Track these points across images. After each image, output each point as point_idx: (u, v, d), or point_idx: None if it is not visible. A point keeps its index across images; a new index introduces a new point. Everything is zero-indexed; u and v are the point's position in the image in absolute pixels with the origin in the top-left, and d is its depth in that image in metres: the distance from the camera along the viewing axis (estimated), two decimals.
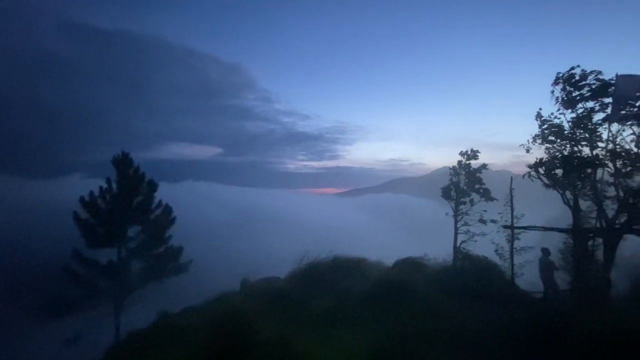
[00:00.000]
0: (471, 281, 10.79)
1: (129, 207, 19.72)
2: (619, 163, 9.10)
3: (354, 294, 9.82)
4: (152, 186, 20.75)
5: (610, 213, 9.12)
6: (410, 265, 13.20)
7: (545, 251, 10.53)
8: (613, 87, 8.92)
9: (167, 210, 20.92)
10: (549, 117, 10.36)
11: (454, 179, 12.76)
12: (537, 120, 10.63)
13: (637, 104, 8.78)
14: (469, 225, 11.83)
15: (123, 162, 20.19)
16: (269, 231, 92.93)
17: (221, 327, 6.99)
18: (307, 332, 8.02)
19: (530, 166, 9.85)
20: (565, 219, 10.08)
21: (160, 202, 20.95)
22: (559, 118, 10.20)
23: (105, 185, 19.78)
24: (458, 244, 11.94)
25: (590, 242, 9.26)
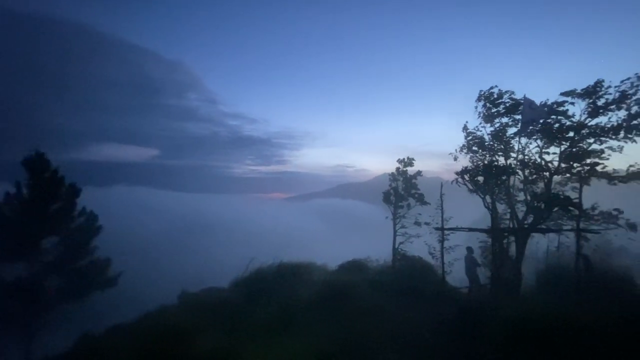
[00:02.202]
0: (408, 280, 11.55)
1: (44, 215, 17.18)
2: (527, 171, 10.57)
3: (299, 299, 9.80)
4: (74, 191, 18.36)
5: (520, 215, 10.51)
6: (353, 268, 13.64)
7: (470, 249, 11.72)
8: (522, 106, 10.35)
9: (92, 217, 18.69)
10: (473, 129, 11.65)
11: (393, 185, 13.60)
12: (463, 132, 11.88)
13: (541, 122, 10.30)
14: (406, 227, 12.68)
15: (37, 164, 17.53)
16: (213, 239, 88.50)
17: (154, 345, 6.45)
18: (250, 342, 7.78)
19: (457, 173, 10.91)
20: (486, 220, 11.35)
21: (83, 209, 18.64)
22: (481, 131, 11.54)
23: (14, 190, 17.02)
24: (396, 246, 12.69)
25: (505, 240, 10.55)
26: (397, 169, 14.12)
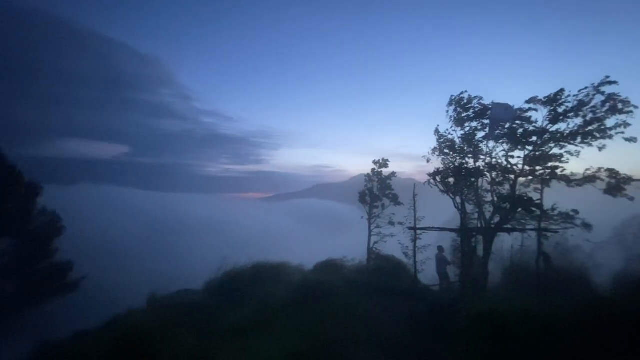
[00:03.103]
0: (382, 279, 11.80)
1: None
2: (494, 174, 11.08)
3: (274, 300, 9.74)
4: (34, 189, 17.24)
5: (488, 215, 11.01)
6: (329, 268, 13.73)
7: (441, 248, 12.14)
8: (490, 112, 10.84)
9: (54, 218, 17.62)
10: (445, 133, 12.06)
11: (369, 185, 13.83)
12: (435, 135, 12.27)
13: (507, 127, 10.84)
14: (381, 227, 12.93)
15: None
16: (187, 240, 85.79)
17: (120, 351, 6.18)
18: (223, 344, 7.65)
19: (429, 175, 11.26)
20: (456, 220, 11.79)
21: (44, 208, 17.53)
22: (452, 134, 11.97)
23: None
24: (371, 245, 12.92)
25: (473, 240, 11.01)
26: (373, 170, 14.38)
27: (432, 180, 11.21)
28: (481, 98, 11.23)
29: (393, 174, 14.05)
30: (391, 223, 12.89)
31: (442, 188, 11.11)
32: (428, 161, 12.40)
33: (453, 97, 11.62)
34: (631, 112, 9.30)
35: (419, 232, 11.09)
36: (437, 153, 12.32)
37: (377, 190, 13.95)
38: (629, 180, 9.37)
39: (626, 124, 9.35)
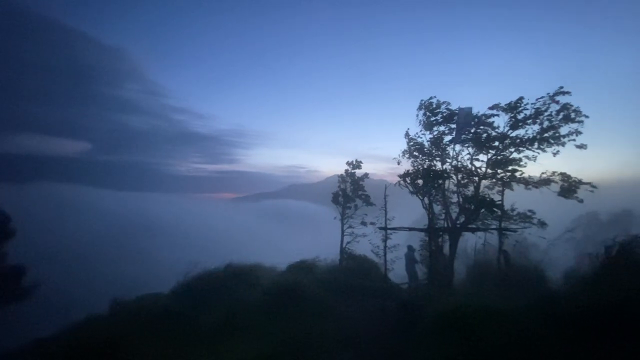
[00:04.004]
0: (354, 278, 11.99)
1: None
2: (459, 176, 11.63)
3: (247, 302, 9.61)
4: None
5: (454, 215, 11.53)
6: (302, 268, 13.74)
7: (410, 248, 12.53)
8: (456, 117, 11.37)
9: (3, 218, 16.25)
10: (414, 136, 12.49)
11: (342, 186, 14.00)
12: (405, 138, 12.68)
13: (472, 131, 11.42)
14: (353, 227, 13.13)
15: None
16: (154, 242, 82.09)
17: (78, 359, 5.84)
18: (192, 349, 7.45)
19: (400, 176, 11.60)
20: (425, 220, 12.23)
21: None
22: (421, 137, 12.43)
23: None
24: (344, 245, 13.08)
25: (440, 239, 11.48)
26: (346, 171, 14.56)
27: (402, 182, 11.56)
28: (449, 103, 11.76)
29: (366, 175, 14.32)
30: (363, 223, 13.14)
31: (411, 189, 11.49)
32: (399, 163, 12.81)
33: (423, 102, 12.07)
34: (582, 121, 10.15)
35: (389, 231, 11.40)
36: (407, 155, 12.75)
37: (350, 191, 14.15)
38: (579, 183, 10.22)
39: (577, 132, 10.20)
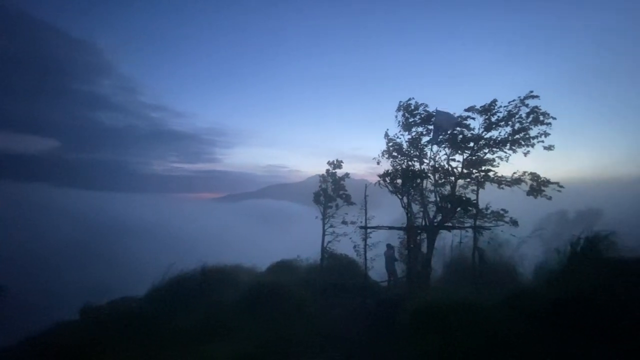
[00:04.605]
0: (335, 277, 12.08)
1: None
2: (437, 176, 11.95)
3: (225, 304, 9.48)
4: None
5: (431, 214, 11.83)
6: (283, 268, 13.71)
7: (389, 246, 12.75)
8: (434, 118, 11.67)
9: None
10: (393, 137, 12.72)
11: (323, 186, 14.03)
12: (385, 138, 12.90)
13: (448, 132, 11.75)
14: (334, 227, 13.19)
15: None
16: (130, 243, 79.26)
17: None
18: (169, 352, 7.26)
19: (379, 176, 11.78)
20: (404, 219, 12.49)
21: None
22: (400, 138, 12.67)
23: None
24: (325, 245, 13.13)
25: (418, 237, 11.75)
26: (327, 170, 14.62)
27: (381, 181, 11.74)
28: (426, 105, 12.05)
29: (347, 174, 14.43)
30: (344, 222, 13.23)
31: (390, 189, 11.69)
32: (378, 163, 13.00)
33: (401, 103, 12.31)
34: (550, 123, 10.68)
35: (369, 230, 11.55)
36: (386, 156, 12.97)
37: (331, 190, 14.20)
38: (547, 182, 10.76)
39: (546, 134, 10.73)
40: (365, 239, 11.42)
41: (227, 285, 10.94)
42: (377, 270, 12.72)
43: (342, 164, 14.43)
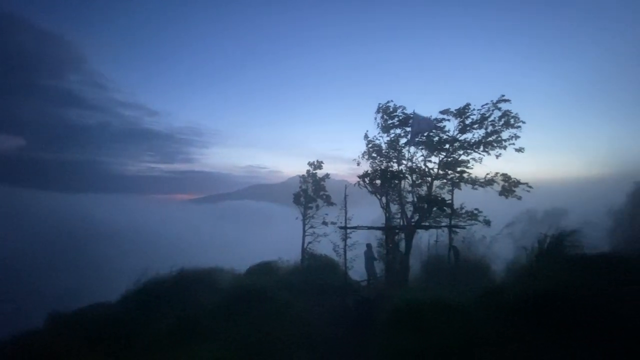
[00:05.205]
0: (315, 278, 12.08)
1: None
2: (414, 177, 12.24)
3: (203, 307, 9.27)
4: None
5: (409, 214, 12.10)
6: (263, 270, 13.55)
7: (369, 246, 12.92)
8: (411, 120, 11.95)
9: None
10: (373, 138, 12.93)
11: (303, 187, 14.07)
12: (365, 140, 13.08)
13: (425, 135, 12.06)
14: (315, 227, 13.25)
15: None
16: (102, 247, 75.70)
17: None
18: (142, 359, 7.03)
19: (359, 177, 11.94)
20: (382, 219, 12.69)
21: None
22: (379, 140, 12.90)
23: None
24: (305, 245, 13.15)
25: (396, 237, 11.98)
26: (308, 171, 14.67)
27: (361, 182, 11.90)
28: (404, 108, 12.33)
29: (327, 175, 14.54)
30: (324, 223, 13.32)
31: (370, 189, 11.88)
32: (358, 164, 13.18)
33: (380, 105, 12.53)
34: (520, 126, 11.21)
35: (349, 230, 11.66)
36: (366, 157, 13.17)
37: (312, 191, 14.27)
38: (517, 183, 11.27)
39: (516, 137, 11.25)
40: (344, 239, 11.53)
41: (205, 288, 10.70)
42: (357, 270, 12.85)
43: (322, 164, 14.53)
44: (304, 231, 13.46)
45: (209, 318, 8.81)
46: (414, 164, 12.34)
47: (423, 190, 12.18)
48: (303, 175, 14.68)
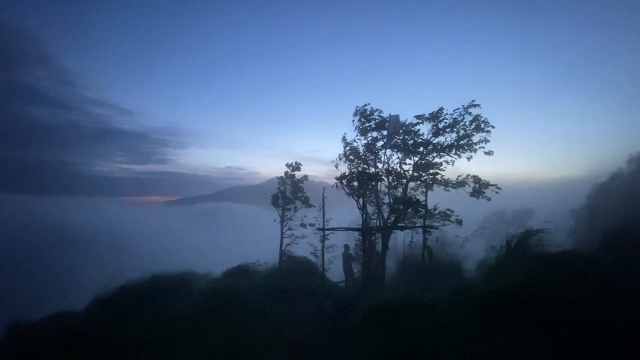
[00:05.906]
0: (293, 280, 12.06)
1: None
2: (390, 178, 12.52)
3: (176, 313, 9.02)
4: None
5: (385, 215, 12.35)
6: (240, 273, 13.35)
7: (347, 247, 13.05)
8: (387, 123, 12.23)
9: None
10: (351, 141, 13.11)
11: (282, 188, 14.02)
12: (343, 142, 13.24)
13: (400, 138, 12.38)
14: (293, 229, 13.23)
15: None
16: (70, 253, 71.65)
17: None
18: None
19: (337, 178, 12.06)
20: (359, 220, 12.86)
21: None
22: (357, 142, 13.10)
23: None
24: (284, 247, 13.10)
25: (373, 238, 12.18)
26: (286, 172, 14.63)
27: (339, 184, 12.02)
28: (381, 111, 12.60)
29: (305, 177, 14.57)
30: (303, 225, 13.33)
31: (347, 191, 12.02)
32: (336, 166, 13.32)
33: (358, 108, 12.74)
34: (489, 131, 11.73)
35: (327, 232, 11.74)
36: (344, 159, 13.32)
37: (290, 192, 14.24)
38: (487, 185, 11.79)
39: (486, 140, 11.77)
40: (322, 241, 11.59)
41: (180, 293, 10.41)
42: (335, 272, 12.94)
43: (300, 166, 14.55)
44: (282, 233, 13.41)
45: (184, 323, 8.60)
46: (390, 166, 12.63)
47: (399, 191, 12.48)
48: (281, 176, 14.64)
